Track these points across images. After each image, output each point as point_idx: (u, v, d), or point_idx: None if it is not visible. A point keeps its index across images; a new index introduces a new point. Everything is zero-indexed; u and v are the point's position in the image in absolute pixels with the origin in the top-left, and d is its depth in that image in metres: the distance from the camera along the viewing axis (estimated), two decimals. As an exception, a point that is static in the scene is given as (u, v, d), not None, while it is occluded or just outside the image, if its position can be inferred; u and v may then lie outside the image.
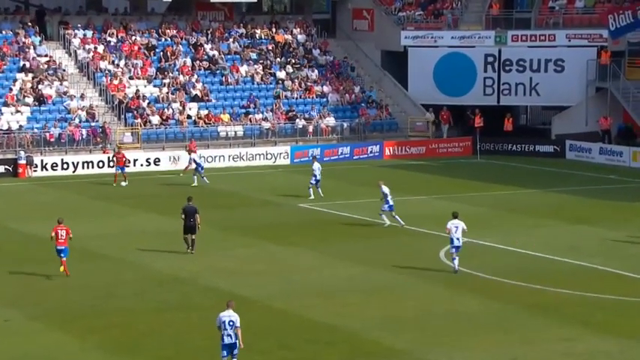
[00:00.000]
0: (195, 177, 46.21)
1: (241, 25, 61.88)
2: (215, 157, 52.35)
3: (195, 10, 61.70)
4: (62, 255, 30.37)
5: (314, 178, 43.15)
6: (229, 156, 52.66)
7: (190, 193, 36.08)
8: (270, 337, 24.67)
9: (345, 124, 56.62)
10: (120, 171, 46.71)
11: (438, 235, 35.81)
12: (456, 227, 31.35)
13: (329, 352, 24.25)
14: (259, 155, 53.38)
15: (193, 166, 47.12)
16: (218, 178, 48.29)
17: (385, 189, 37.38)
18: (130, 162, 48.46)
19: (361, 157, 54.22)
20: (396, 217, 37.31)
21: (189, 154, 48.56)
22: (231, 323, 22.15)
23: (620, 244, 35.05)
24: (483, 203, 42.44)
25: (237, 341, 22.24)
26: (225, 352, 22.34)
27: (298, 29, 62.28)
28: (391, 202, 37.30)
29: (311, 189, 43.07)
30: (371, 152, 54.85)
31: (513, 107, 59.27)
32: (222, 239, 35.81)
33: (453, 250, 31.23)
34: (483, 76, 57.52)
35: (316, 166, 43.53)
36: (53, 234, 30.38)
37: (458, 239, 31.02)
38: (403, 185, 46.70)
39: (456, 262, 31.12)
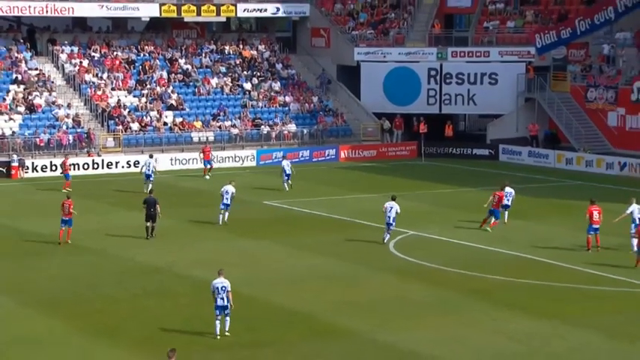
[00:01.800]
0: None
1: (212, 42, 61.69)
2: (189, 159, 52.15)
3: (171, 28, 61.43)
4: (68, 225, 32.81)
5: (284, 174, 44.15)
6: (202, 159, 52.42)
7: (184, 190, 35.89)
8: (238, 321, 24.59)
9: (305, 130, 56.62)
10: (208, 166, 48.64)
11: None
12: (391, 207, 33.29)
13: (290, 332, 24.28)
14: (228, 158, 53.27)
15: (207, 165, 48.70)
16: (192, 179, 48.14)
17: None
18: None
19: (319, 159, 54.25)
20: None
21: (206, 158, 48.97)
22: (223, 288, 23.49)
23: (547, 236, 35.30)
24: (427, 200, 42.63)
25: (229, 303, 23.46)
26: (218, 312, 23.61)
27: (263, 46, 62.22)
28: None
29: (285, 184, 44.12)
30: (328, 155, 54.91)
31: (453, 115, 59.52)
32: (195, 233, 35.69)
33: (386, 226, 33.22)
34: (427, 87, 57.71)
35: (285, 162, 44.91)
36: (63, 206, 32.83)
37: (389, 217, 33.13)
38: (357, 185, 46.87)
39: (387, 236, 33.28)
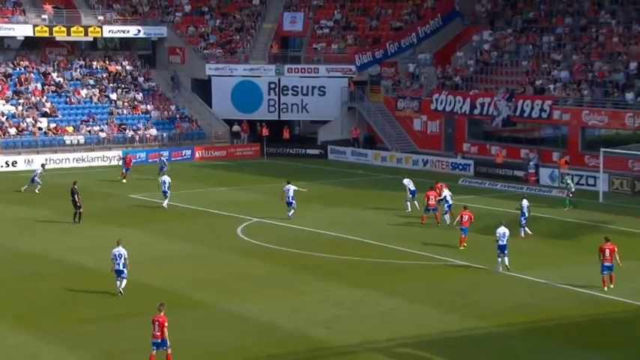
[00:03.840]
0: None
1: (81, 58, 60.06)
2: (62, 159, 50.72)
3: (44, 46, 59.44)
4: None
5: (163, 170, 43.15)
6: (73, 159, 51.12)
7: (58, 186, 34.82)
8: (106, 297, 24.23)
9: (165, 134, 55.89)
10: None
11: (236, 217, 36.03)
12: (288, 189, 35.07)
13: (151, 306, 23.94)
14: (97, 158, 52.03)
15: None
16: (65, 177, 46.68)
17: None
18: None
19: (177, 159, 53.63)
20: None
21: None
22: (120, 255, 24.62)
23: (368, 220, 35.96)
24: (269, 192, 42.84)
25: (125, 269, 24.55)
26: (116, 275, 24.63)
27: (126, 62, 61.01)
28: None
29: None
30: (185, 155, 54.37)
31: (290, 121, 60.04)
32: (69, 223, 34.73)
33: (287, 205, 34.90)
34: (268, 98, 57.95)
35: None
36: None
37: (289, 197, 34.93)
38: (209, 180, 46.67)
39: (292, 211, 34.96)
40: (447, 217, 33.70)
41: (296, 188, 35.61)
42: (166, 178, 38.22)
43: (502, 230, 27.32)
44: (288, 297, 24.78)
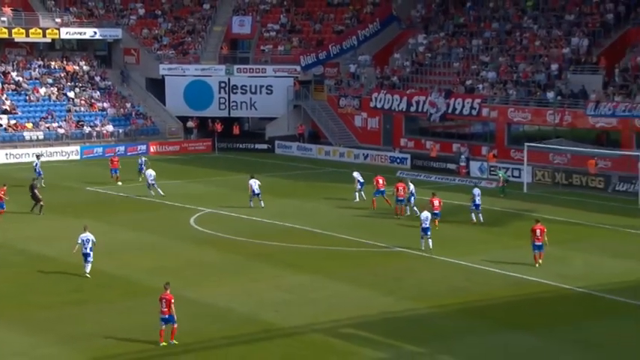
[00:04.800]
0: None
1: (40, 58, 58.85)
2: (22, 154, 49.63)
3: (4, 47, 58.08)
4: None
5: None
6: (33, 154, 49.82)
7: (18, 180, 34.06)
8: (67, 284, 23.84)
9: (121, 130, 55.12)
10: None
11: (189, 208, 35.76)
12: (254, 182, 34.52)
13: (110, 292, 23.78)
14: (56, 153, 51.04)
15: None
16: (25, 171, 45.69)
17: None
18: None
19: (133, 153, 52.88)
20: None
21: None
22: (87, 240, 24.82)
23: (314, 210, 35.98)
24: (220, 184, 42.68)
25: (92, 252, 24.71)
26: (84, 259, 24.74)
27: (83, 62, 59.96)
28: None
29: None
30: (140, 150, 53.60)
31: (240, 118, 59.73)
32: (31, 216, 34.04)
33: (256, 196, 34.80)
34: (219, 96, 57.54)
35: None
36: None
37: (254, 190, 34.74)
38: (163, 173, 45.94)
39: (261, 203, 34.75)
40: (415, 208, 33.39)
41: (259, 183, 35.27)
42: (151, 172, 38.21)
43: (425, 215, 28.34)
44: (240, 283, 24.69)
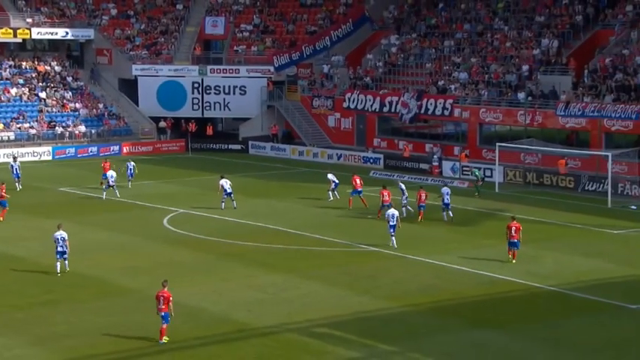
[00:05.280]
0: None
1: (11, 59, 58.17)
2: (-7, 155, 49.16)
3: (-26, 47, 57.44)
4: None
5: (129, 172, 39.95)
6: (4, 154, 49.38)
7: None
8: (38, 285, 23.56)
9: (93, 131, 54.66)
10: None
11: (162, 208, 35.55)
12: (225, 182, 34.84)
13: (83, 292, 23.56)
14: (28, 153, 50.46)
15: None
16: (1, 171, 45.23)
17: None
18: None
19: (105, 154, 52.38)
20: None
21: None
22: (62, 238, 25.01)
23: (287, 210, 35.88)
24: (193, 185, 42.48)
25: (67, 250, 24.87)
26: (58, 256, 24.85)
27: (55, 62, 59.39)
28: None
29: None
30: (113, 150, 53.23)
31: (213, 118, 59.51)
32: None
33: (228, 195, 34.72)
34: (192, 97, 57.28)
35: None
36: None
37: (225, 190, 34.68)
38: (137, 174, 45.80)
39: (235, 203, 34.71)
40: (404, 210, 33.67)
41: (230, 183, 35.15)
42: (112, 173, 37.51)
43: (391, 212, 28.76)
44: (213, 283, 24.59)
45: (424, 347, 19.78)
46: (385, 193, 33.24)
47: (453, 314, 22.20)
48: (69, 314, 21.70)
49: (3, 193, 32.60)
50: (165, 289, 20.08)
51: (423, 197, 32.97)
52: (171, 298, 19.91)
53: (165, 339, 19.91)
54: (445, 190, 33.51)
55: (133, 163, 41.82)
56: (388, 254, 28.15)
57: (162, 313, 19.88)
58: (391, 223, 28.44)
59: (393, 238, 28.42)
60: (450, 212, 33.11)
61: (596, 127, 42.31)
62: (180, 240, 30.18)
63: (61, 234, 25.09)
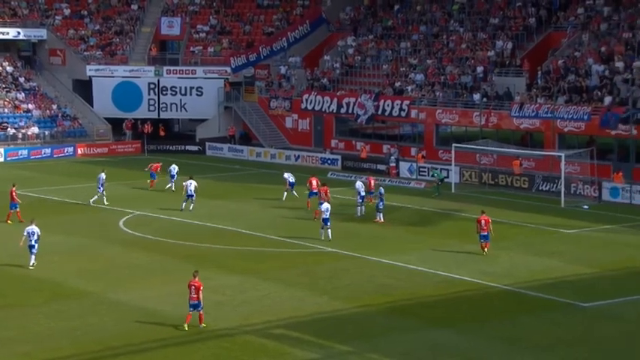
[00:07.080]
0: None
1: (-40, 58, 57.15)
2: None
3: None
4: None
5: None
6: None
7: None
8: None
9: (47, 132, 53.90)
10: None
11: (118, 211, 35.21)
12: (190, 183, 34.86)
13: (36, 296, 23.28)
14: (-21, 156, 49.70)
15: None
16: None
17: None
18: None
19: (59, 155, 51.85)
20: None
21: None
22: (33, 233, 25.87)
23: (245, 212, 35.79)
24: (146, 187, 42.13)
25: (37, 244, 25.76)
26: (30, 250, 25.73)
27: (7, 63, 58.43)
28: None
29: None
30: (67, 152, 52.61)
31: (170, 119, 59.12)
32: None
33: (189, 197, 34.61)
34: (148, 98, 56.86)
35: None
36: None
37: (191, 190, 34.68)
38: (91, 175, 45.19)
39: (192, 205, 34.70)
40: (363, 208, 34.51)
41: (196, 184, 35.03)
42: (102, 175, 36.76)
43: (325, 206, 30.20)
44: (170, 285, 24.44)
45: (381, 347, 19.97)
46: (314, 182, 34.05)
47: (410, 314, 22.44)
48: (22, 319, 21.43)
49: (14, 196, 32.45)
50: (197, 279, 20.87)
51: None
52: (202, 288, 20.77)
53: (203, 325, 20.79)
54: (359, 184, 34.72)
55: (176, 167, 41.26)
56: (346, 255, 28.33)
57: (195, 302, 20.64)
58: (324, 217, 29.63)
59: (329, 230, 29.60)
60: (364, 207, 34.15)
61: (550, 128, 43.09)
62: (137, 242, 29.98)
63: (32, 228, 26.03)
